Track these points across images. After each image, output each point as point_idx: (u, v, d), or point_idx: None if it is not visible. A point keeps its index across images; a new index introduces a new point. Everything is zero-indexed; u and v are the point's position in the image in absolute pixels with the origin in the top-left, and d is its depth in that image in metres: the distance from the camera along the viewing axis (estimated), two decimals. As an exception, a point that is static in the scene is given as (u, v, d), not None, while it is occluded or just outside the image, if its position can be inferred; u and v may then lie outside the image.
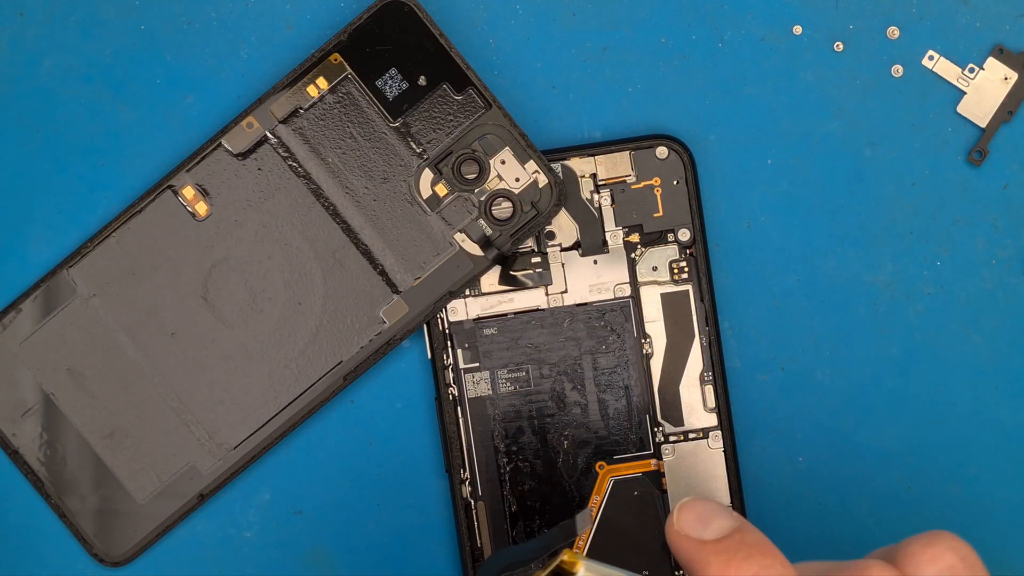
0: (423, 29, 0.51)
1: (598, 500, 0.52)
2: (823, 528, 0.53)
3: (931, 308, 0.53)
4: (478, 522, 0.52)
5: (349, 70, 0.51)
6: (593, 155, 0.52)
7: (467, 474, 0.52)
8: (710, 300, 0.52)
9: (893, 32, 0.53)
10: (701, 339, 0.52)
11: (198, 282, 0.52)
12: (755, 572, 0.38)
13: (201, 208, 0.51)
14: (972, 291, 0.53)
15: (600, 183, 0.52)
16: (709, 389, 0.52)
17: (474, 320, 0.52)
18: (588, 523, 0.46)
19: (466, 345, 0.52)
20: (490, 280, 0.52)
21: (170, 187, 0.51)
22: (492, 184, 0.51)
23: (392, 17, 0.51)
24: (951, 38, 0.53)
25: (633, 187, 0.52)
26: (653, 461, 0.52)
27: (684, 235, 0.52)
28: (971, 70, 0.52)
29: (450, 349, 0.52)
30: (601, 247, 0.52)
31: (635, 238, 0.52)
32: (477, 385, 0.52)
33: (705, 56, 0.53)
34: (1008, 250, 0.53)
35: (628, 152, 0.52)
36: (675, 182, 0.52)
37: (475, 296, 0.52)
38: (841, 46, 0.53)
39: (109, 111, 0.53)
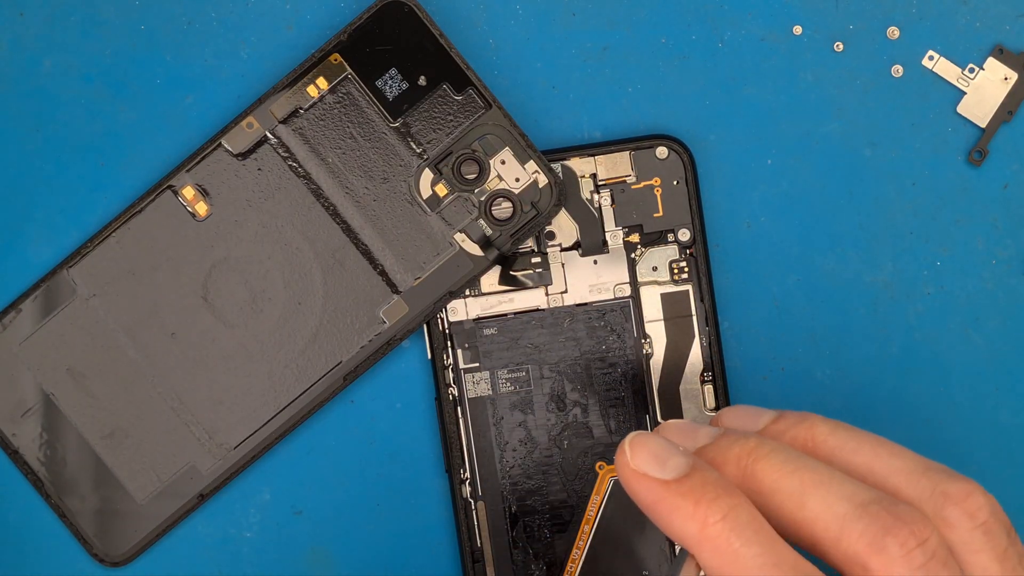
0: (423, 29, 0.51)
1: (598, 500, 0.52)
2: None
3: (931, 308, 0.53)
4: (478, 522, 0.52)
5: (349, 70, 0.51)
6: (593, 155, 0.52)
7: (467, 474, 0.52)
8: (710, 300, 0.52)
9: (893, 32, 0.53)
10: (701, 339, 0.52)
11: (198, 282, 0.52)
12: (725, 513, 0.38)
13: (201, 208, 0.51)
14: (972, 291, 0.53)
15: (600, 183, 0.52)
16: (709, 389, 0.52)
17: (474, 320, 0.52)
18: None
19: (466, 345, 0.52)
20: (490, 280, 0.52)
21: (170, 187, 0.51)
22: (492, 184, 0.51)
23: (392, 17, 0.51)
24: (951, 38, 0.53)
25: (633, 187, 0.52)
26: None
27: (684, 235, 0.52)
28: (971, 70, 0.52)
29: (450, 349, 0.52)
30: (601, 247, 0.52)
31: (635, 238, 0.52)
32: (477, 385, 0.52)
33: (705, 56, 0.53)
34: (1008, 250, 0.53)
35: (628, 152, 0.52)
36: (675, 182, 0.52)
37: (475, 296, 0.52)
38: (841, 46, 0.53)
39: (109, 111, 0.53)
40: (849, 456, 0.40)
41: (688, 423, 0.41)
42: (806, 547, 0.39)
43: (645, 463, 0.39)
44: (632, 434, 0.40)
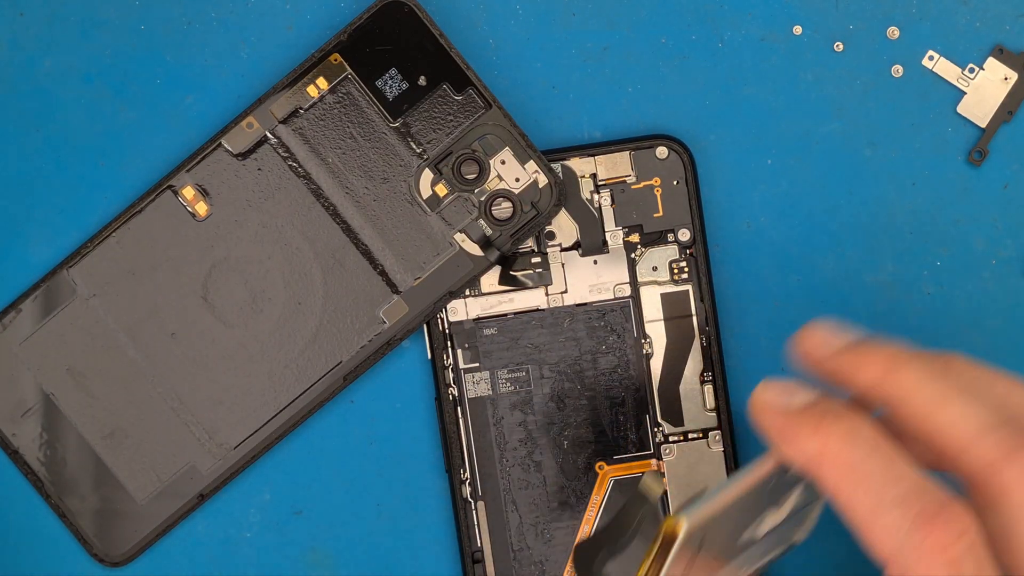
0: (423, 29, 0.51)
1: (598, 500, 0.52)
2: (823, 528, 0.52)
3: (931, 308, 0.53)
4: (478, 522, 0.52)
5: (349, 70, 0.51)
6: (593, 155, 0.52)
7: (467, 474, 0.52)
8: (710, 300, 0.52)
9: (893, 32, 0.53)
10: (701, 339, 0.52)
11: (198, 282, 0.52)
12: (847, 430, 0.39)
13: (201, 208, 0.51)
14: (972, 291, 0.53)
15: (600, 183, 0.52)
16: (709, 389, 0.52)
17: (474, 320, 0.52)
18: (659, 484, 0.46)
19: (466, 345, 0.52)
20: (490, 280, 0.52)
21: (170, 187, 0.51)
22: (492, 184, 0.51)
23: (392, 17, 0.51)
24: (951, 38, 0.53)
25: (633, 187, 0.52)
26: (653, 461, 0.52)
27: (684, 235, 0.52)
28: (971, 70, 0.52)
29: (450, 349, 0.52)
30: (601, 247, 0.52)
31: (635, 238, 0.52)
32: (477, 385, 0.52)
33: (705, 56, 0.53)
34: (1008, 250, 0.53)
35: (628, 152, 0.52)
36: (675, 182, 0.52)
37: (475, 296, 0.52)
38: (841, 46, 0.53)
39: (109, 111, 0.53)
40: (986, 387, 0.40)
41: (835, 330, 0.43)
42: (932, 460, 0.40)
43: (774, 396, 0.41)
44: (765, 380, 0.42)
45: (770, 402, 0.41)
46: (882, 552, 0.38)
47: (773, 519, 0.43)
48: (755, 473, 0.41)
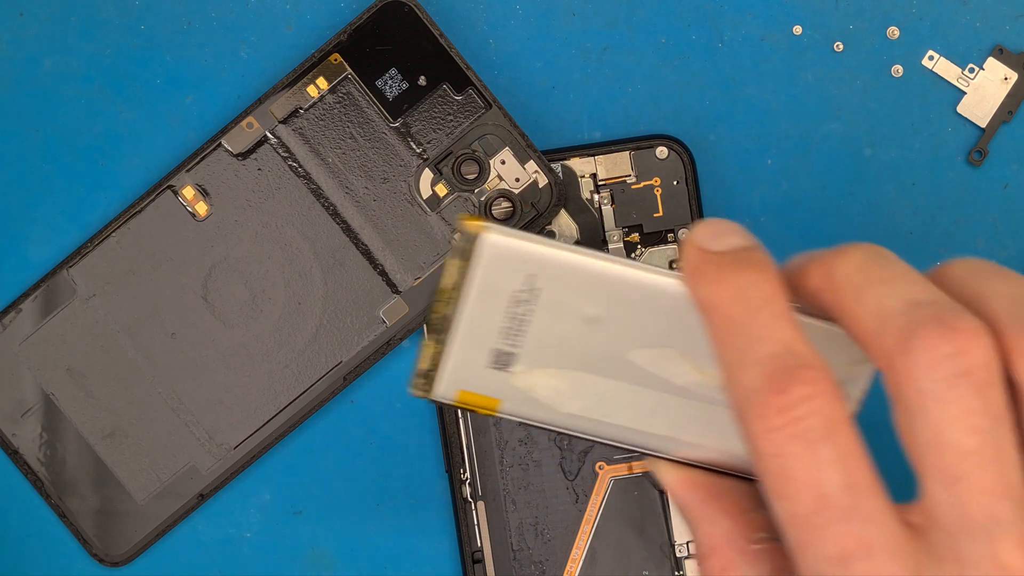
0: (423, 29, 0.51)
1: (598, 500, 0.52)
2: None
3: (931, 308, 0.53)
4: (478, 522, 0.52)
5: (349, 70, 0.51)
6: (593, 155, 0.52)
7: (467, 474, 0.52)
8: (710, 300, 0.52)
9: (893, 32, 0.53)
10: (701, 339, 0.52)
11: (198, 282, 0.52)
12: (741, 285, 0.35)
13: (201, 208, 0.51)
14: (972, 291, 0.53)
15: (600, 183, 0.52)
16: (709, 389, 0.52)
17: (474, 320, 0.52)
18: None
19: (466, 345, 0.52)
20: (490, 280, 0.52)
21: (170, 187, 0.51)
22: (492, 184, 0.51)
23: (392, 17, 0.51)
24: (951, 38, 0.53)
25: (633, 187, 0.52)
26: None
27: (684, 235, 0.52)
28: (971, 70, 0.52)
29: (450, 349, 0.52)
30: (601, 247, 0.52)
31: (635, 238, 0.52)
32: (477, 385, 0.52)
33: (705, 56, 0.53)
34: (1008, 250, 0.53)
35: (628, 152, 0.52)
36: (675, 182, 0.52)
37: (475, 296, 0.52)
38: (841, 46, 0.53)
39: (109, 111, 0.53)
40: (973, 282, 0.36)
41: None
42: (862, 348, 0.35)
43: (699, 237, 0.37)
44: (711, 218, 0.38)
45: (694, 239, 0.37)
46: (734, 411, 0.34)
47: (685, 369, 0.39)
48: (634, 268, 0.37)
